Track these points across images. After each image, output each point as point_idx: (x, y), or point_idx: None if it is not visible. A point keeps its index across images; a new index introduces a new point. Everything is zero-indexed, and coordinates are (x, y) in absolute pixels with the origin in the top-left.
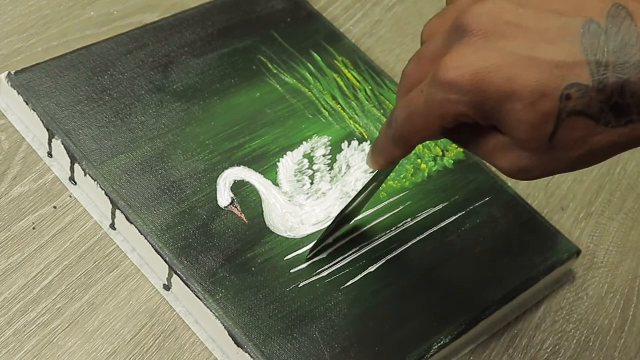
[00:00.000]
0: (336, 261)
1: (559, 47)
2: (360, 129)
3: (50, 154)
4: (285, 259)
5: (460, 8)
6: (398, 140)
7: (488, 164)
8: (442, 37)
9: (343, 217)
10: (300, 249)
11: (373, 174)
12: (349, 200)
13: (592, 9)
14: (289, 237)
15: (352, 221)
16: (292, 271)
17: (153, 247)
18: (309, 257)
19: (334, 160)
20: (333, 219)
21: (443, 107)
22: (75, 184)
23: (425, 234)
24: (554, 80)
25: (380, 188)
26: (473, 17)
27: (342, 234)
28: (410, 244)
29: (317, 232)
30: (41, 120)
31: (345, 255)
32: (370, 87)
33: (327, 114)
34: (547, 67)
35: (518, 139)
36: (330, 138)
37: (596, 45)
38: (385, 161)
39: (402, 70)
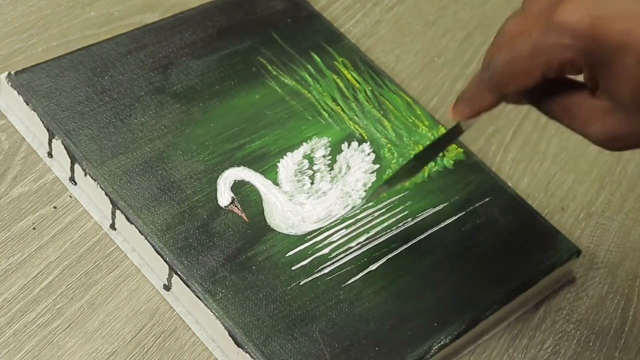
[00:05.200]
0: (338, 257)
1: None
2: (359, 130)
3: (50, 154)
4: (287, 255)
5: None
6: (493, 85)
7: (489, 164)
8: None
9: (412, 165)
10: (301, 244)
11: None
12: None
13: None
14: (290, 233)
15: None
16: (293, 268)
17: (153, 247)
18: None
19: (333, 161)
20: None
21: (552, 52)
22: (75, 184)
23: (426, 234)
24: None
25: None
26: None
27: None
28: (410, 243)
29: (318, 228)
30: (41, 120)
31: (347, 252)
32: (370, 88)
33: (326, 115)
34: None
35: (621, 96)
36: (330, 139)
37: None
38: (472, 111)
39: (500, 28)
